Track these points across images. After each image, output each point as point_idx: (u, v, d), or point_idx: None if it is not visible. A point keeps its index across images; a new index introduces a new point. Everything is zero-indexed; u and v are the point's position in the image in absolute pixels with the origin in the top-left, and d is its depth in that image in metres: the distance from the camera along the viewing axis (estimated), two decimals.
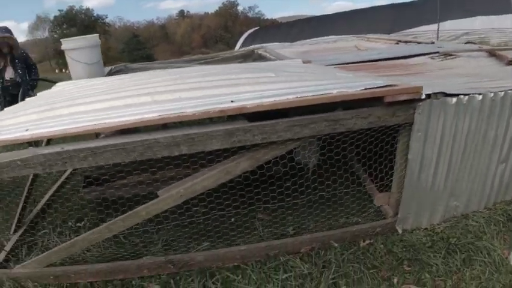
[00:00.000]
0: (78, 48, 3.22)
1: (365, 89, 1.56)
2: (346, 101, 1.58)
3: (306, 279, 1.66)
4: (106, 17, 38.41)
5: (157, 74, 2.45)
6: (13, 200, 2.49)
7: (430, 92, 1.65)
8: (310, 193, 2.04)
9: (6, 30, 3.80)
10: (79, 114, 1.59)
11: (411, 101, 1.63)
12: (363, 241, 1.83)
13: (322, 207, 2.05)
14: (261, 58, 4.06)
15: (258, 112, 1.51)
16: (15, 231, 2.23)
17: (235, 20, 38.57)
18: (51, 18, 37.08)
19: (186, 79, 1.94)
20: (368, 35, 4.64)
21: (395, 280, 1.66)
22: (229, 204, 1.95)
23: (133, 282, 1.78)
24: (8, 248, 2.08)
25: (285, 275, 1.68)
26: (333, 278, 1.66)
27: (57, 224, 2.30)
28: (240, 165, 1.59)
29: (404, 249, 1.79)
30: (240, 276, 1.73)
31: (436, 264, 1.71)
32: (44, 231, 2.26)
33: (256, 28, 8.28)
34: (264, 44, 5.27)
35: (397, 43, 3.62)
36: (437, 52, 2.65)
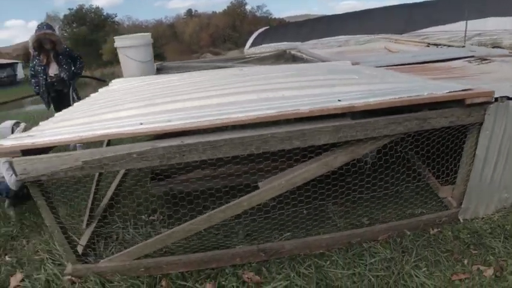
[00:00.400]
0: (133, 46, 3.24)
1: (449, 92, 1.77)
2: (431, 103, 1.78)
3: (390, 262, 1.85)
4: (116, 16, 38.16)
5: (226, 74, 2.54)
6: (78, 195, 2.52)
7: (497, 96, 1.88)
8: (376, 187, 2.23)
9: (48, 26, 3.79)
10: (190, 110, 1.68)
11: (482, 104, 1.86)
12: (432, 229, 2.05)
13: (389, 199, 2.25)
14: (295, 59, 4.21)
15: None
16: (87, 225, 2.24)
17: (243, 19, 38.83)
18: (61, 17, 36.87)
19: (270, 79, 2.07)
20: (393, 36, 4.88)
21: (466, 261, 1.89)
22: (302, 199, 2.10)
23: (226, 270, 1.89)
24: (83, 242, 2.10)
25: (372, 260, 1.86)
26: (414, 261, 1.86)
27: (130, 217, 2.34)
28: (338, 159, 1.74)
29: (469, 235, 2.02)
30: (328, 262, 1.89)
31: (497, 248, 1.96)
32: (117, 225, 2.30)
33: (266, 27, 8.36)
34: (294, 44, 5.38)
35: (428, 46, 3.90)
36: (473, 56, 2.93)
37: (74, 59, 4.01)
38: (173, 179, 2.41)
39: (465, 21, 4.46)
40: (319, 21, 7.21)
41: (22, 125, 2.80)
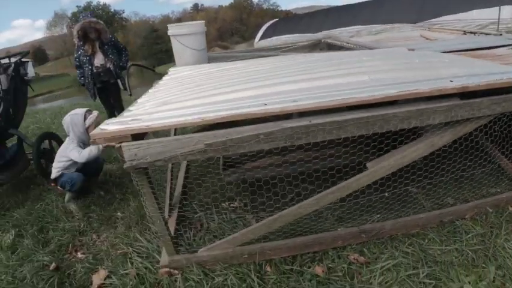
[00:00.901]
0: (187, 34, 3.17)
1: None
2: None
3: (483, 237, 1.95)
4: (123, 12, 37.91)
5: (291, 62, 2.54)
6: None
7: None
8: (454, 170, 2.33)
9: (92, 14, 3.64)
10: (292, 93, 1.68)
11: None
12: (511, 207, 2.18)
13: (465, 181, 2.35)
14: (331, 47, 4.26)
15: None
16: (169, 216, 2.18)
17: (250, 12, 38.74)
18: (69, 14, 36.44)
19: (343, 65, 2.13)
20: (431, 22, 4.91)
21: None
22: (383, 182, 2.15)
23: (330, 253, 1.91)
24: (171, 232, 2.04)
25: (466, 236, 1.95)
26: (504, 235, 1.97)
27: (211, 205, 2.30)
28: (444, 138, 1.81)
29: None
30: (426, 240, 1.96)
31: None
32: (198, 214, 2.25)
33: (276, 19, 8.33)
34: (329, 32, 5.41)
35: (464, 33, 4.07)
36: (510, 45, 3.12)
37: (119, 49, 3.95)
38: (246, 166, 2.39)
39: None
40: (330, 12, 7.27)
41: (95, 112, 2.69)
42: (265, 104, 1.58)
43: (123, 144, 1.55)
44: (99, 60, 3.81)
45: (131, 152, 1.55)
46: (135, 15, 47.08)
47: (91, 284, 1.90)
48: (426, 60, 2.29)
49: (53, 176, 2.73)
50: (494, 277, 1.68)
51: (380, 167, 1.79)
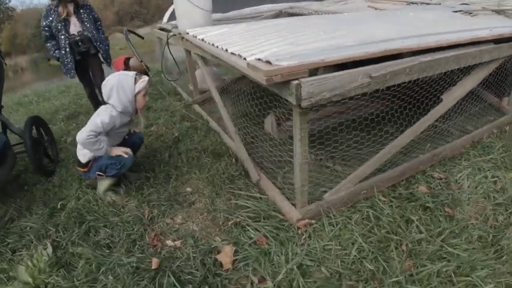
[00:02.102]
0: None
1: None
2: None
3: (506, 148, 2.65)
4: (9, 1, 29.94)
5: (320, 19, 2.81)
6: None
7: None
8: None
9: None
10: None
11: None
12: (506, 126, 2.97)
13: (469, 116, 3.06)
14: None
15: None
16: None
17: None
18: None
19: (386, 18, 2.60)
20: None
21: None
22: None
23: (417, 176, 2.32)
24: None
25: (494, 149, 2.62)
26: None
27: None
28: (483, 73, 2.41)
29: None
30: (472, 155, 2.55)
31: None
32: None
33: None
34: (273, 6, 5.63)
35: (408, 4, 4.91)
36: (461, 10, 4.05)
37: (95, 18, 3.40)
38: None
39: None
40: None
41: (145, 77, 2.29)
42: (402, 41, 1.87)
43: (302, 80, 1.52)
44: (76, 27, 3.34)
45: (308, 88, 1.53)
46: (21, 3, 44.87)
47: (221, 265, 1.78)
48: (442, 14, 2.90)
49: (85, 159, 2.29)
50: None
51: (452, 98, 2.29)
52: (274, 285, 1.63)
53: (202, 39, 2.68)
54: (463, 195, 2.13)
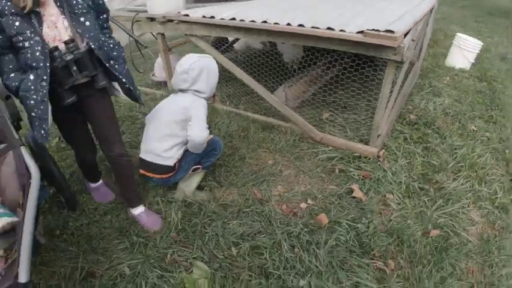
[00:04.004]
0: None
1: None
2: None
3: None
4: None
5: None
6: None
7: None
8: None
9: None
10: None
11: None
12: None
13: None
14: None
15: None
16: None
17: None
18: None
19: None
20: None
21: None
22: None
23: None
24: None
25: None
26: None
27: None
28: None
29: None
30: None
31: None
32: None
33: None
34: None
35: None
36: None
37: (97, 4, 1.70)
38: None
39: None
40: None
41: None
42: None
43: (404, 43, 2.22)
44: (58, 30, 1.57)
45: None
46: None
47: (361, 200, 2.27)
48: None
49: (174, 160, 2.08)
50: None
51: None
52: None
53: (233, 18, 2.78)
54: None
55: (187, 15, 3.08)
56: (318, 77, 3.65)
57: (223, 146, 2.75)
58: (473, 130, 3.16)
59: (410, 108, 3.42)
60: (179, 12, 3.13)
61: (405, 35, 2.35)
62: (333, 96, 3.31)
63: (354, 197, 2.30)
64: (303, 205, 2.26)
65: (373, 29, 2.21)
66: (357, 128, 3.04)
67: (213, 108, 3.46)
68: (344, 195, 2.32)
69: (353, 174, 2.49)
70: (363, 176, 2.47)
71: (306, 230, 2.02)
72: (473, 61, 4.70)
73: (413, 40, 2.54)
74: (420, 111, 3.35)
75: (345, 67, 3.00)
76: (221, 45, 4.17)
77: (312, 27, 2.50)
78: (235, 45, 4.89)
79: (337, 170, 2.55)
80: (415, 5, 3.70)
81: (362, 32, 2.28)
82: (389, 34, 2.19)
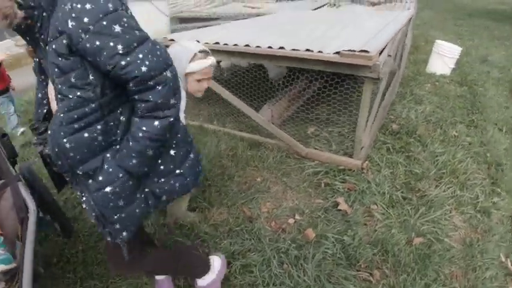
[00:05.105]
0: None
1: None
2: None
3: None
4: None
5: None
6: None
7: None
8: None
9: None
10: None
11: None
12: None
13: None
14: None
15: None
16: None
17: None
18: None
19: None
20: None
21: None
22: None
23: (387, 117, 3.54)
24: None
25: None
26: None
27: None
28: None
29: None
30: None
31: None
32: None
33: None
34: None
35: (276, 1, 6.06)
36: (327, 3, 5.54)
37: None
38: None
39: None
40: None
41: (211, 59, 1.85)
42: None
43: (379, 61, 2.38)
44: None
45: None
46: None
47: (346, 213, 2.41)
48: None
49: None
50: None
51: None
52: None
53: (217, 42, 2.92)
54: None
55: (173, 40, 3.21)
56: (301, 93, 3.80)
57: (213, 166, 2.88)
58: (455, 136, 3.31)
59: (393, 117, 3.57)
60: (165, 37, 3.27)
61: (381, 51, 2.50)
62: (315, 111, 3.45)
63: (339, 210, 2.41)
64: (291, 221, 2.37)
65: (349, 50, 2.35)
66: (341, 141, 3.17)
67: (201, 128, 3.58)
68: (330, 209, 2.44)
69: (338, 188, 2.61)
70: (348, 189, 2.59)
71: (294, 245, 2.12)
72: (453, 66, 4.90)
73: (389, 55, 2.70)
74: (402, 120, 3.50)
75: (327, 82, 3.14)
76: None
77: (292, 49, 2.64)
78: (222, 64, 5.04)
79: (323, 184, 2.66)
80: (394, 16, 3.89)
81: (338, 52, 2.43)
82: (363, 54, 2.34)
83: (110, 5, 1.07)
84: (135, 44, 1.12)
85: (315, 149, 3.02)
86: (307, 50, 2.57)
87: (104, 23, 1.06)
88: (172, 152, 1.43)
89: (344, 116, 3.39)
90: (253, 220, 2.37)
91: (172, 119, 1.21)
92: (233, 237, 2.22)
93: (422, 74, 4.85)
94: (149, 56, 1.13)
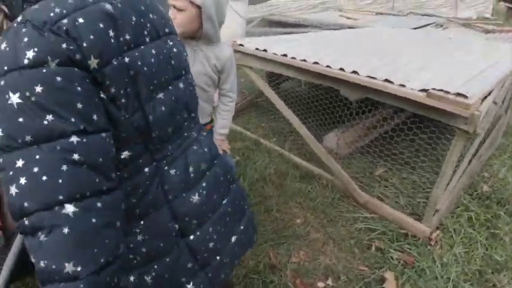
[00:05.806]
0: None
1: None
2: None
3: None
4: None
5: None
6: None
7: None
8: None
9: None
10: None
11: None
12: None
13: None
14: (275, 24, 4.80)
15: None
16: None
17: None
18: None
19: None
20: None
21: None
22: None
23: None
24: None
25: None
26: None
27: None
28: None
29: None
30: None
31: None
32: None
33: None
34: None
35: (376, 14, 5.54)
36: (433, 23, 4.83)
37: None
38: None
39: None
40: None
41: None
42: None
43: (478, 112, 1.77)
44: None
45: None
46: None
47: None
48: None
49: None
50: None
51: None
52: None
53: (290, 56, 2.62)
54: None
55: (242, 45, 3.00)
56: (379, 123, 3.25)
57: (253, 192, 2.59)
58: None
59: (486, 176, 2.83)
60: (234, 41, 3.07)
61: (484, 98, 1.92)
62: (392, 149, 2.89)
63: None
64: (320, 284, 1.96)
65: (440, 89, 1.83)
66: (413, 193, 2.59)
67: (256, 142, 3.32)
68: (371, 284, 1.96)
69: (392, 257, 2.09)
70: (404, 262, 2.07)
71: None
72: None
73: (495, 103, 2.07)
74: (497, 181, 2.75)
75: (413, 116, 2.59)
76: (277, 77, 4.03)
77: (368, 76, 2.20)
78: None
79: (374, 247, 2.17)
80: (509, 50, 3.09)
81: (426, 90, 1.92)
82: (459, 99, 1.80)
83: (29, 54, 0.58)
84: (26, 139, 0.59)
85: (378, 197, 2.51)
86: (386, 80, 2.10)
87: (1, 82, 0.59)
88: None
89: (426, 161, 2.78)
90: (276, 271, 2.02)
91: None
92: (247, 286, 1.91)
93: None
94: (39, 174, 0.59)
